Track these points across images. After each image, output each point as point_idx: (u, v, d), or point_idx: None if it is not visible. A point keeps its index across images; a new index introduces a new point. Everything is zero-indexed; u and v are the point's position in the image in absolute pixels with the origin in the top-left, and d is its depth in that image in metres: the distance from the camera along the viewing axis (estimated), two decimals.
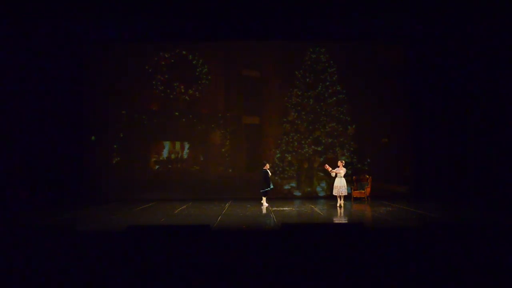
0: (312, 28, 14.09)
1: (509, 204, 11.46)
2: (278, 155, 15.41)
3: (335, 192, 12.21)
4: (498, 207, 11.49)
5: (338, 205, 12.18)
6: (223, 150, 15.53)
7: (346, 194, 12.23)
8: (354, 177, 13.97)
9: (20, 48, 12.91)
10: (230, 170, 15.50)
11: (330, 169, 12.25)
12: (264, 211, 11.93)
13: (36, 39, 13.21)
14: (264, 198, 12.69)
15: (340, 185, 12.05)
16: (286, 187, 15.45)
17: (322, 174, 15.36)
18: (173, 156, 15.58)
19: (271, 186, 12.75)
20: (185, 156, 15.62)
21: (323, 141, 15.37)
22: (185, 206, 12.91)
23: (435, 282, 5.15)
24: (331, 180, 15.26)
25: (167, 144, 15.63)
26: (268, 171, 12.70)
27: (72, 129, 14.44)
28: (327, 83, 15.37)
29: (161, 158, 15.57)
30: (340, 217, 10.88)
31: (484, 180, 12.58)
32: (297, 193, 15.29)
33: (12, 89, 12.83)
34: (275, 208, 12.26)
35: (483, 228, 5.84)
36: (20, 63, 12.98)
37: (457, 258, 5.35)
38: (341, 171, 12.13)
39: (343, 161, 12.62)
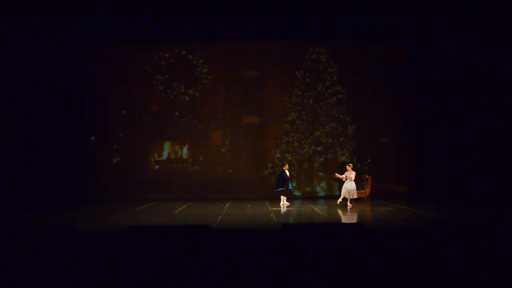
0: (312, 28, 14.09)
1: (509, 204, 11.46)
2: (278, 155, 15.39)
3: (346, 195, 12.45)
4: (498, 207, 11.49)
5: (349, 206, 12.26)
6: (223, 150, 15.52)
7: (356, 197, 12.55)
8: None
9: (20, 49, 12.90)
10: (230, 170, 15.49)
11: (340, 176, 12.53)
12: (282, 210, 11.99)
13: (36, 39, 13.21)
14: (282, 198, 12.69)
15: (351, 189, 12.35)
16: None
17: (322, 174, 15.36)
18: (173, 156, 15.57)
19: (290, 187, 12.79)
20: (185, 156, 15.60)
21: (323, 141, 15.35)
22: (185, 206, 12.91)
23: (435, 282, 5.15)
24: (331, 180, 15.21)
25: (167, 144, 15.61)
26: (286, 171, 12.69)
27: (72, 129, 14.44)
28: (327, 83, 15.35)
29: (161, 158, 15.56)
30: (349, 217, 10.88)
31: (484, 180, 12.57)
32: (297, 193, 15.27)
33: (13, 89, 12.83)
34: (275, 208, 12.27)
35: (483, 228, 5.84)
36: (20, 63, 12.97)
37: (456, 258, 5.35)
38: (352, 175, 12.37)
39: (351, 165, 12.71)
